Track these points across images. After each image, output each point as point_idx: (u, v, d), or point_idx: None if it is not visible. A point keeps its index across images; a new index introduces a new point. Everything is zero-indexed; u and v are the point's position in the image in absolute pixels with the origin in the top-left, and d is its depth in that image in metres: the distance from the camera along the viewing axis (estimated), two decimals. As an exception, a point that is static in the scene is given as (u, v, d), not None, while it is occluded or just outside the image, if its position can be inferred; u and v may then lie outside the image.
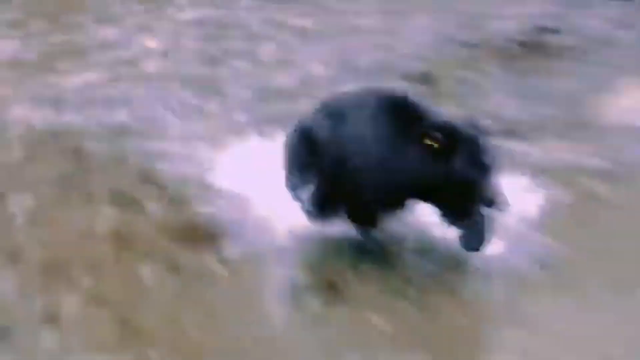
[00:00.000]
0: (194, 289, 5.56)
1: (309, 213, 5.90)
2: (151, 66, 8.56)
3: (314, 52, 8.61)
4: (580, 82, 8.10)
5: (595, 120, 7.53)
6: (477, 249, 5.50)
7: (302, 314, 5.34)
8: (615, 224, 5.90)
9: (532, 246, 5.67)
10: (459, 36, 8.98)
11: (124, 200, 6.50)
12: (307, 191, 5.89)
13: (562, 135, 7.36)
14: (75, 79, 8.44)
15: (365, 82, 7.38)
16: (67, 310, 5.25)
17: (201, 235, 6.10)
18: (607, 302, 5.15)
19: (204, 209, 6.38)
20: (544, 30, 9.06)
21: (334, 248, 6.09)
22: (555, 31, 9.10)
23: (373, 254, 5.75)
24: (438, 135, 5.27)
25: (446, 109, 6.91)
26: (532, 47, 8.72)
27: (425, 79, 8.21)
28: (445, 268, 5.50)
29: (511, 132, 7.33)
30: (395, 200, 5.61)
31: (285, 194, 6.27)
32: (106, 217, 6.25)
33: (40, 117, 7.92)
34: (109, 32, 9.62)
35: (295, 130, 5.98)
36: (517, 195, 5.69)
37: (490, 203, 5.33)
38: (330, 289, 5.60)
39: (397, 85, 7.19)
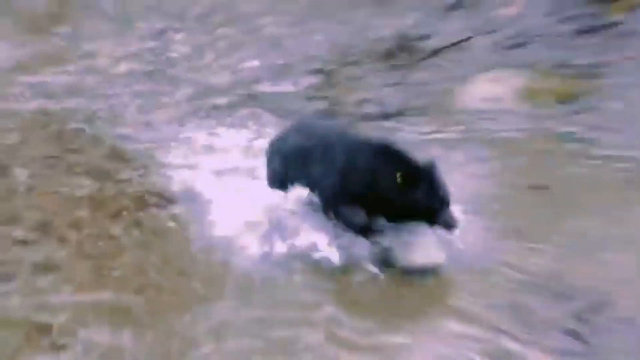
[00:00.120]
0: (154, 241, 6.04)
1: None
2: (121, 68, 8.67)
3: (241, 57, 8.79)
4: (442, 75, 8.30)
5: (452, 104, 7.90)
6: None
7: (239, 257, 5.71)
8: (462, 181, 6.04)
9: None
10: (349, 42, 9.09)
11: (98, 173, 6.98)
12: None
13: (427, 115, 7.69)
14: (57, 79, 8.61)
15: (282, 78, 8.26)
16: (57, 259, 5.73)
17: (158, 198, 6.59)
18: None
19: (160, 179, 6.87)
20: (415, 36, 9.15)
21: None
22: (424, 37, 9.14)
23: None
24: (404, 173, 5.45)
25: (340, 96, 7.83)
26: (406, 50, 8.87)
27: (323, 74, 8.50)
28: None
29: (389, 115, 7.70)
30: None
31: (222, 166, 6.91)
32: (84, 186, 6.77)
33: (31, 108, 8.13)
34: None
35: (275, 141, 6.32)
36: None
37: (446, 225, 5.51)
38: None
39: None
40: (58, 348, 4.82)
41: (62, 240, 6.03)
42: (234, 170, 6.97)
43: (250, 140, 7.45)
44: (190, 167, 7.09)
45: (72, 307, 5.22)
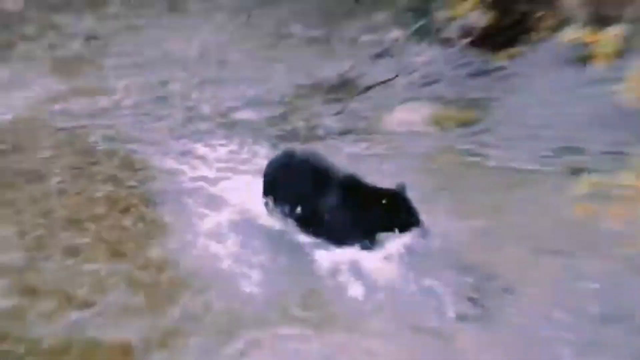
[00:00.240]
0: (155, 230, 6.20)
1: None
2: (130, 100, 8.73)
3: (219, 92, 8.86)
4: (372, 106, 8.37)
5: (380, 128, 8.00)
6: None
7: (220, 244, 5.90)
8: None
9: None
10: (301, 80, 9.09)
11: (112, 179, 7.07)
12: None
13: (362, 136, 7.80)
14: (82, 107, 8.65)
15: (250, 108, 8.39)
16: (82, 245, 5.95)
17: (157, 197, 6.74)
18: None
19: (160, 183, 6.97)
20: (352, 76, 9.10)
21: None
22: (359, 77, 9.10)
23: None
24: (385, 198, 5.47)
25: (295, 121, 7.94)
26: (345, 86, 8.87)
27: (281, 105, 8.55)
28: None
29: (333, 136, 7.82)
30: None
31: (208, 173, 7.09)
32: (101, 189, 6.87)
33: (62, 130, 8.16)
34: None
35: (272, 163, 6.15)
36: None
37: (422, 234, 5.48)
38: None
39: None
40: (85, 307, 5.09)
41: (85, 229, 6.22)
42: (218, 176, 7.08)
43: (228, 154, 7.53)
44: (183, 173, 7.19)
45: (93, 279, 5.44)
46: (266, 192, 6.11)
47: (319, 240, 5.77)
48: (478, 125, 7.92)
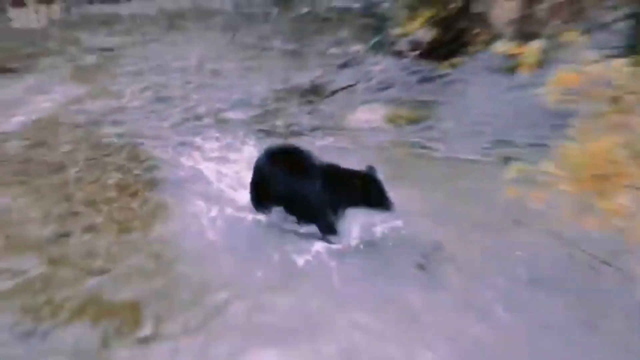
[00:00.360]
0: (158, 211, 6.11)
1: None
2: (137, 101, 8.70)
3: (211, 96, 8.75)
4: (338, 107, 8.30)
5: (345, 125, 7.95)
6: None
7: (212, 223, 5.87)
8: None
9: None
10: (278, 86, 9.06)
11: (122, 169, 6.96)
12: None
13: (329, 132, 7.74)
14: (97, 108, 8.57)
15: (237, 110, 8.28)
16: (97, 223, 5.90)
17: (161, 184, 6.64)
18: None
19: (163, 172, 6.88)
20: (321, 82, 9.04)
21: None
22: (326, 83, 9.03)
23: None
24: (358, 179, 5.37)
25: (275, 120, 7.85)
26: (315, 91, 8.83)
27: (262, 107, 8.45)
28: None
29: (306, 132, 7.72)
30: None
31: (202, 163, 6.99)
32: (113, 177, 6.78)
33: (80, 127, 8.09)
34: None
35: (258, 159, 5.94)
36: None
37: (387, 209, 5.34)
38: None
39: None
40: (100, 274, 5.13)
41: (99, 211, 6.13)
42: (211, 165, 7.01)
43: (220, 147, 7.44)
44: (182, 163, 7.12)
45: (107, 251, 5.43)
46: (255, 183, 5.98)
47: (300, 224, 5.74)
48: (425, 123, 7.87)
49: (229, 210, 6.09)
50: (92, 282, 5.05)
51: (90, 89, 9.18)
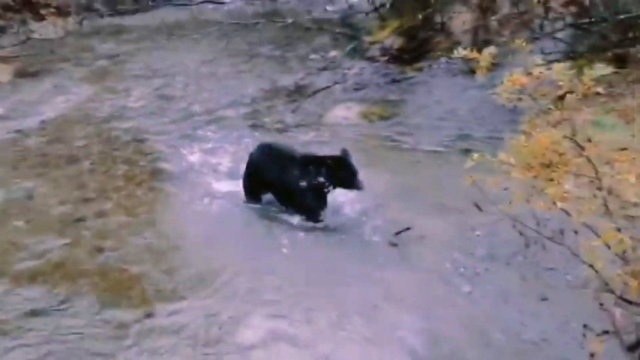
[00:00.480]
0: (161, 197, 6.15)
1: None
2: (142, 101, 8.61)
3: (206, 97, 8.68)
4: (318, 105, 8.24)
5: (324, 121, 7.88)
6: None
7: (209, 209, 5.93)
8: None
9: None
10: (266, 87, 8.95)
11: (129, 161, 6.94)
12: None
13: (311, 127, 7.70)
14: (107, 107, 8.51)
15: (230, 108, 8.27)
16: (108, 208, 5.93)
17: (164, 175, 6.62)
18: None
19: (165, 164, 6.85)
20: (303, 84, 8.92)
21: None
22: (308, 85, 8.91)
23: None
24: (330, 161, 5.38)
25: (263, 117, 7.85)
26: (298, 91, 8.72)
27: (252, 105, 8.40)
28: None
29: (290, 128, 7.69)
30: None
31: (200, 156, 6.97)
32: (121, 168, 6.77)
33: (92, 124, 8.02)
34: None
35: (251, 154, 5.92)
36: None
37: (358, 188, 5.37)
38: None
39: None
40: (111, 250, 5.17)
41: (109, 198, 6.14)
42: (208, 157, 7.00)
43: (215, 141, 7.41)
44: (182, 155, 7.07)
45: (116, 234, 5.46)
46: (248, 174, 5.96)
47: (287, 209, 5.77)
48: (395, 119, 7.82)
49: (224, 198, 6.10)
50: (102, 259, 5.08)
51: (101, 90, 9.12)
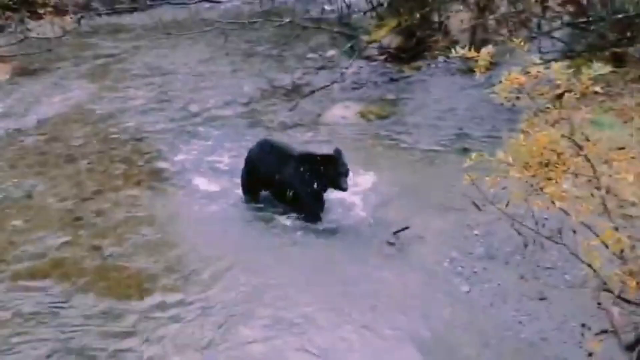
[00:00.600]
0: (158, 197, 6.17)
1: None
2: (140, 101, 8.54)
3: (204, 96, 8.64)
4: (316, 104, 8.13)
5: (322, 120, 7.82)
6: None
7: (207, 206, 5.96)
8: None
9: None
10: (263, 86, 8.90)
11: (127, 160, 6.95)
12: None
13: (309, 126, 7.67)
14: (106, 108, 8.42)
15: (227, 107, 8.24)
16: (106, 207, 5.94)
17: (161, 174, 6.64)
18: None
19: (163, 163, 6.87)
20: (301, 83, 8.90)
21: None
22: (306, 84, 8.87)
23: None
24: (321, 158, 5.40)
25: (260, 116, 7.80)
26: (296, 91, 8.68)
27: (250, 104, 8.35)
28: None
29: (288, 127, 7.66)
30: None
31: (198, 155, 6.95)
32: (119, 168, 6.79)
33: (90, 123, 7.97)
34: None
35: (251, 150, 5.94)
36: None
37: (342, 188, 5.34)
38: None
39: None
40: (112, 246, 5.25)
41: (107, 197, 6.13)
42: (206, 156, 6.99)
43: (212, 140, 7.40)
44: (180, 153, 7.07)
45: (114, 231, 5.49)
46: (246, 172, 5.98)
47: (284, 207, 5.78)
48: (393, 118, 7.80)
49: (222, 196, 6.11)
50: (101, 258, 5.10)
51: (99, 89, 9.09)
